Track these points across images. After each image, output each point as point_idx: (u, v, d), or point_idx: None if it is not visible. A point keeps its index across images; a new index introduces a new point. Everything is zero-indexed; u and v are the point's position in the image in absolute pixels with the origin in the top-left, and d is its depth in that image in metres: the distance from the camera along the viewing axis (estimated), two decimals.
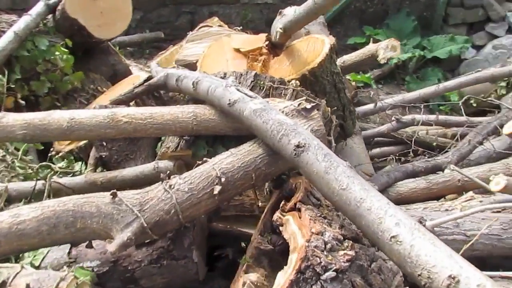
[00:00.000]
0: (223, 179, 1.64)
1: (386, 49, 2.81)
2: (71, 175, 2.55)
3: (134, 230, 1.56)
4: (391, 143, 4.18)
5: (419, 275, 1.22)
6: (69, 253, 1.91)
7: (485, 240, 2.18)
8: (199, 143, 2.11)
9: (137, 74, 3.35)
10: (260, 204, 2.04)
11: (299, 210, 1.60)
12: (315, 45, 2.56)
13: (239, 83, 2.27)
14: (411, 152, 3.44)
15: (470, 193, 2.71)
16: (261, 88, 2.23)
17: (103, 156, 2.42)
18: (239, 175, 1.70)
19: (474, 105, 4.96)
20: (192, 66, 3.32)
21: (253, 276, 1.57)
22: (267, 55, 2.68)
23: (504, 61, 5.70)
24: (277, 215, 1.64)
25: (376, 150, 4.17)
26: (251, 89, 2.22)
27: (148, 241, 1.75)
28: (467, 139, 3.31)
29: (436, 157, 3.19)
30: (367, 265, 1.42)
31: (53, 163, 2.73)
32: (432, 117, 3.87)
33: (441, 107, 5.39)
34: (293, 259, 1.35)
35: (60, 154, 2.83)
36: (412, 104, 3.89)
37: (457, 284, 1.14)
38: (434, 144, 3.68)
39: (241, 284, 1.55)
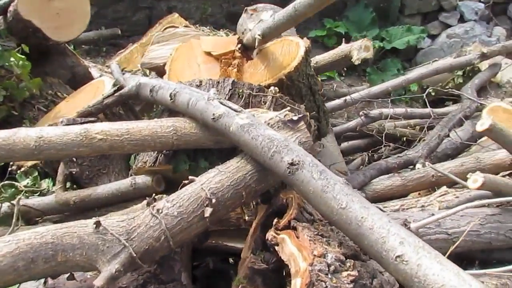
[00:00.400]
0: (213, 200, 1.57)
1: (359, 49, 2.81)
2: (38, 194, 2.39)
3: (123, 261, 1.46)
4: (358, 137, 4.22)
5: None
6: (45, 283, 1.79)
7: (465, 237, 2.24)
8: (179, 157, 2.01)
9: (101, 79, 3.17)
10: (246, 218, 1.99)
11: (294, 228, 1.56)
12: (290, 47, 2.51)
13: (217, 91, 2.19)
14: (383, 148, 3.49)
15: (444, 188, 2.78)
16: (240, 96, 2.16)
17: (74, 172, 2.27)
18: (229, 194, 1.63)
19: (433, 94, 5.11)
20: (159, 69, 3.19)
21: None
22: (240, 58, 2.61)
23: (458, 49, 5.93)
24: (271, 234, 1.59)
25: (345, 144, 4.21)
26: (229, 98, 2.15)
27: None
28: (435, 132, 3.39)
29: (408, 152, 3.25)
30: (369, 283, 1.40)
31: (16, 180, 2.55)
32: (399, 110, 3.94)
33: (401, 98, 5.53)
34: (297, 285, 1.31)
35: (23, 169, 2.65)
36: (380, 99, 3.93)
37: None
38: (405, 138, 3.75)
39: None
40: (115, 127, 1.90)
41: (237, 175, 1.66)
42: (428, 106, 3.88)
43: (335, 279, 1.32)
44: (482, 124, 2.35)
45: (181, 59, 2.83)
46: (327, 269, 1.33)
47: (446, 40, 6.27)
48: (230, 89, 2.18)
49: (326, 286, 1.28)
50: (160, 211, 1.54)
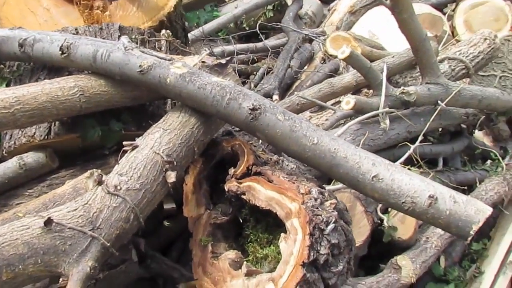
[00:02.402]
0: (175, 163, 1.41)
1: None
2: None
3: (95, 254, 1.21)
4: None
5: (403, 202, 1.41)
6: None
7: None
8: (85, 122, 1.68)
9: None
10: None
11: (258, 173, 1.53)
12: None
13: (103, 39, 1.87)
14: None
15: (307, 113, 3.09)
16: (135, 42, 1.88)
17: None
18: (183, 152, 1.48)
19: (247, 28, 5.40)
20: None
21: (231, 254, 1.47)
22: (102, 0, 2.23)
23: None
24: (234, 184, 1.54)
25: None
26: None
27: None
28: (280, 64, 3.66)
29: (263, 85, 3.43)
30: (340, 207, 1.52)
31: None
32: (240, 46, 4.05)
33: (219, 33, 5.67)
34: (296, 225, 1.33)
35: None
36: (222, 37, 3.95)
37: (436, 201, 1.38)
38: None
39: (226, 268, 1.43)
40: None
41: (185, 131, 1.51)
42: (263, 39, 4.10)
43: (324, 211, 1.39)
44: (343, 52, 2.64)
45: (14, 2, 2.24)
46: (316, 203, 1.38)
47: None
48: (119, 36, 1.88)
49: (323, 219, 1.35)
50: (119, 187, 1.30)
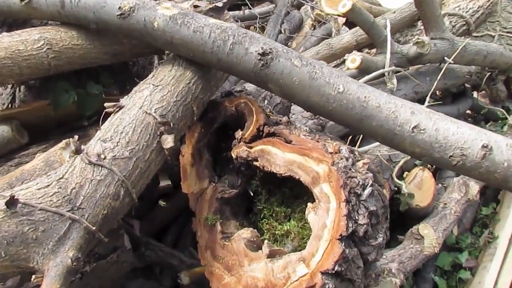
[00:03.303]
0: (172, 124, 1.13)
1: None
2: None
3: (77, 242, 0.94)
4: None
5: (450, 156, 1.17)
6: None
7: None
8: (57, 85, 1.38)
9: None
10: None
11: (271, 135, 1.27)
12: None
13: None
14: None
15: None
16: None
17: None
18: (180, 112, 1.20)
19: None
20: None
21: (246, 233, 1.21)
22: None
23: None
24: (243, 149, 1.27)
25: None
26: None
27: None
28: (270, 30, 3.38)
29: None
30: (373, 168, 1.27)
31: None
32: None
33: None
34: (327, 190, 1.08)
35: None
36: None
37: (491, 151, 1.14)
38: None
39: (242, 250, 1.17)
40: None
41: (180, 86, 1.23)
42: (250, 7, 3.81)
43: (358, 172, 1.14)
44: (344, 6, 2.39)
45: None
46: (349, 163, 1.13)
47: None
48: None
49: (359, 182, 1.10)
50: (102, 156, 1.02)
